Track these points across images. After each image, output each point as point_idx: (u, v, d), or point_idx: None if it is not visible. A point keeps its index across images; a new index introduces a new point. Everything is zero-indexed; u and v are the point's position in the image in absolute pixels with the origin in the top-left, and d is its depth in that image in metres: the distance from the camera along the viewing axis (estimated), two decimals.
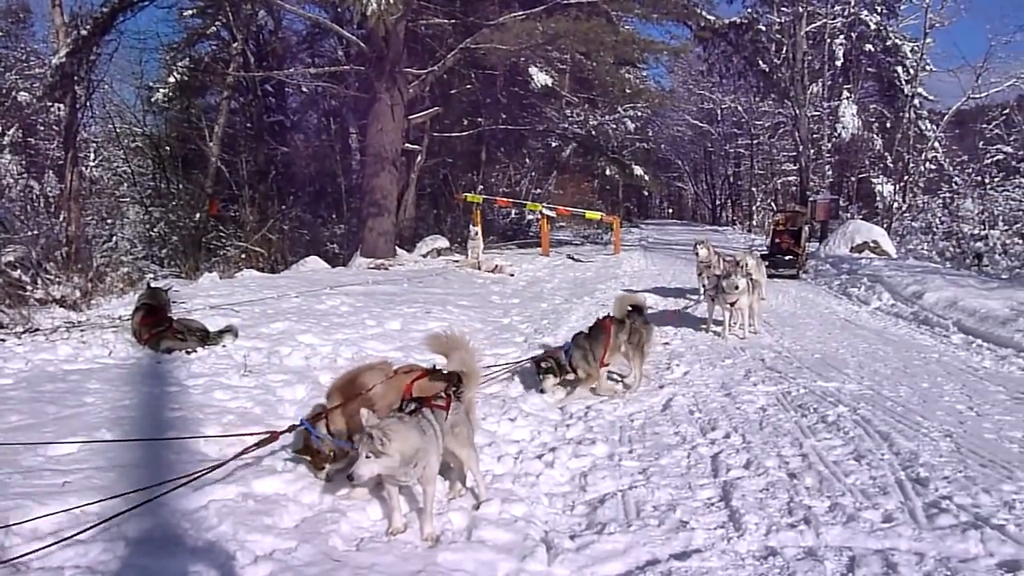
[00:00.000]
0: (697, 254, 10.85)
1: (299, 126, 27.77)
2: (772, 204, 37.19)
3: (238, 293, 10.59)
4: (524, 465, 4.71)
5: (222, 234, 20.36)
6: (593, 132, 28.98)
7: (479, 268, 15.02)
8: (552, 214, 21.41)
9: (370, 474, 3.42)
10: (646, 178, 29.64)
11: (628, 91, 25.56)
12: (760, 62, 25.74)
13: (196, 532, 3.50)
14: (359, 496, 4.01)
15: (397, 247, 18.33)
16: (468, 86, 23.34)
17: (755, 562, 3.42)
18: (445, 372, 4.36)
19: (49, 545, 3.19)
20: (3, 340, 7.60)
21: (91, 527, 3.35)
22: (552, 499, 4.24)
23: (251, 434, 4.37)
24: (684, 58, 33.16)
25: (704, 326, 9.09)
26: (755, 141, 43.34)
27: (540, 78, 22.20)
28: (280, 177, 24.06)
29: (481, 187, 24.39)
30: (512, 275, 14.65)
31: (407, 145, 19.78)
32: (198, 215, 20.15)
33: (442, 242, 19.35)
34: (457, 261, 16.50)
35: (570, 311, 10.54)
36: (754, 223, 39.76)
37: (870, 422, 5.35)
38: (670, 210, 74.39)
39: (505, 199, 23.28)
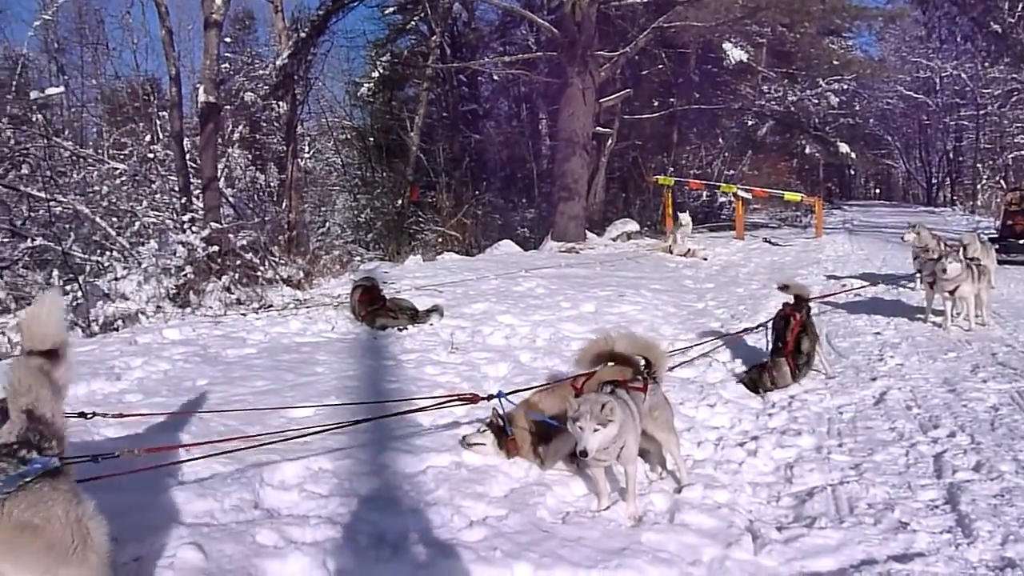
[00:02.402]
0: (904, 239, 9.89)
1: (491, 114, 28.66)
2: (1002, 182, 33.13)
3: (440, 275, 11.22)
4: (725, 452, 4.64)
5: (421, 219, 21.52)
6: (792, 108, 27.35)
7: (671, 252, 14.78)
8: (747, 196, 20.57)
9: (598, 445, 3.50)
10: (852, 156, 27.56)
11: (833, 63, 23.84)
12: (992, 23, 22.94)
13: (416, 494, 3.80)
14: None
15: (587, 231, 18.46)
16: (659, 66, 22.91)
17: (989, 572, 3.15)
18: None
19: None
20: (244, 315, 8.62)
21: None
22: (756, 488, 4.15)
23: (457, 396, 4.68)
24: (897, 24, 30.32)
25: (921, 315, 8.36)
26: (981, 112, 38.70)
27: (735, 54, 21.28)
28: (474, 163, 24.97)
29: (672, 169, 23.89)
30: (705, 259, 14.28)
31: (598, 129, 19.80)
32: (400, 201, 21.43)
33: (632, 225, 19.22)
34: (649, 245, 16.34)
35: (768, 296, 10.09)
36: (978, 203, 35.63)
37: None
38: (877, 190, 68.47)
39: (697, 181, 22.62)
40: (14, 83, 16.07)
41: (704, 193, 24.90)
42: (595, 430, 3.46)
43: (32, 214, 13.70)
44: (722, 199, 25.19)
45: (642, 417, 3.88)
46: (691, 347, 6.78)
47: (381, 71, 24.98)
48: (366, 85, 25.48)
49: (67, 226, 13.38)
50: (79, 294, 9.91)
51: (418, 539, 3.31)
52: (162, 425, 4.50)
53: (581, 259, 13.99)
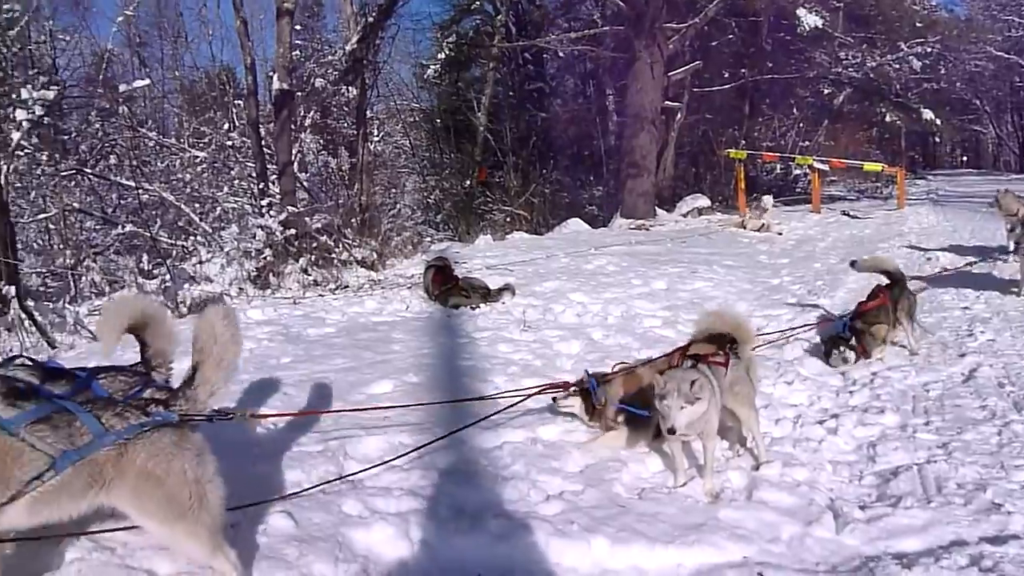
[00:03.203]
0: (1000, 206, 9.26)
1: (558, 91, 28.42)
2: None
3: (510, 254, 11.29)
4: (804, 430, 4.56)
5: (489, 199, 21.61)
6: (871, 75, 26.19)
7: (744, 227, 14.45)
8: (824, 167, 19.86)
9: (687, 422, 3.52)
10: (937, 123, 26.29)
11: (916, 24, 22.71)
12: None
13: (494, 468, 3.89)
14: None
15: (657, 207, 18.22)
16: (730, 36, 22.28)
17: None
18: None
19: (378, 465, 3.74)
20: (322, 296, 8.89)
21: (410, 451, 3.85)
22: (837, 467, 4.07)
23: (545, 387, 4.65)
24: None
25: (1015, 289, 7.97)
26: None
27: (809, 20, 20.51)
28: (541, 142, 24.85)
29: (744, 142, 23.26)
30: (780, 234, 13.91)
31: (666, 103, 19.44)
32: (468, 182, 21.56)
33: (703, 201, 18.85)
34: (721, 220, 16.02)
35: (847, 272, 9.77)
36: None
37: None
38: (964, 158, 65.02)
39: (770, 153, 21.97)
40: (100, 77, 16.79)
41: (778, 166, 24.18)
42: (682, 407, 3.47)
43: (122, 202, 14.38)
44: (797, 171, 24.39)
45: (723, 393, 3.85)
46: (792, 331, 6.58)
47: (447, 52, 25.06)
48: (432, 67, 25.62)
49: (154, 213, 13.98)
50: (167, 277, 10.37)
51: (496, 512, 3.39)
52: (252, 401, 4.70)
53: (651, 236, 13.84)
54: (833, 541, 3.32)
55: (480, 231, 17.02)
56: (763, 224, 14.26)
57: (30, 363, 2.90)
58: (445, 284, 7.96)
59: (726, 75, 23.94)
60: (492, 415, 4.28)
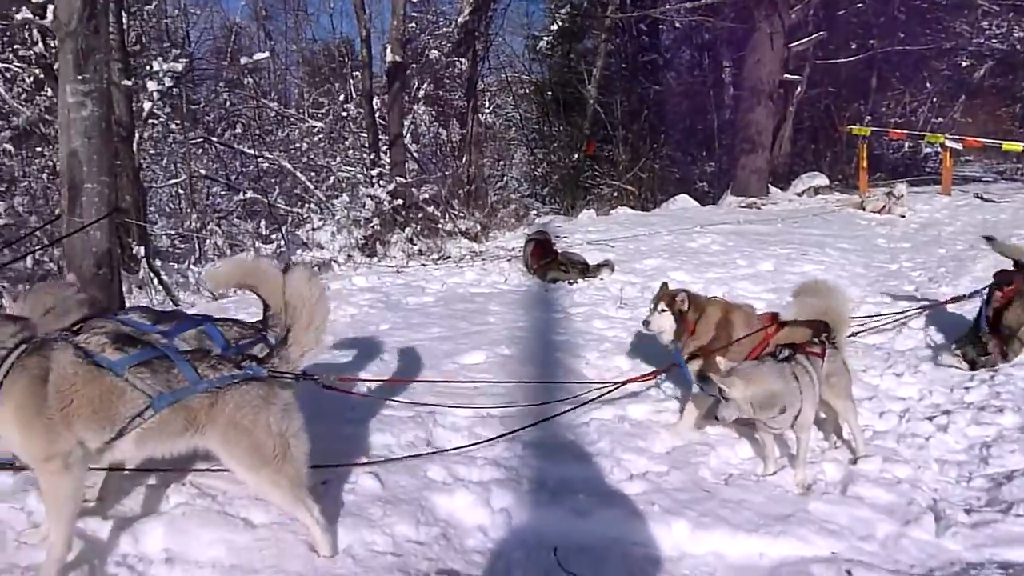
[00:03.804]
0: None
1: (672, 63, 27.62)
2: None
3: (613, 229, 11.16)
4: (910, 425, 4.32)
5: (597, 173, 21.39)
6: (1018, 46, 24.02)
7: (864, 208, 13.66)
8: (957, 146, 18.45)
9: (730, 417, 3.48)
10: None
11: None
12: None
13: (579, 444, 3.90)
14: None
15: (770, 185, 17.50)
16: (858, 4, 20.92)
17: None
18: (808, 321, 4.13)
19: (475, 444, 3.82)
20: (424, 265, 9.10)
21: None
22: (944, 466, 3.84)
23: (635, 379, 4.58)
24: None
25: None
26: None
27: None
28: (652, 116, 24.30)
29: (869, 118, 21.90)
30: (903, 216, 13.05)
31: (786, 76, 18.55)
32: (576, 155, 21.39)
33: (821, 179, 17.93)
34: (839, 200, 15.20)
35: (975, 259, 9.10)
36: None
37: None
38: None
39: (898, 131, 20.60)
40: (229, 50, 17.69)
41: (906, 144, 22.68)
42: (725, 400, 3.42)
43: (244, 170, 15.18)
44: (927, 150, 22.79)
45: (819, 383, 3.71)
46: (904, 314, 6.22)
47: (560, 24, 24.81)
48: (545, 38, 25.44)
49: (273, 180, 14.70)
50: (282, 243, 10.90)
51: (578, 487, 3.40)
52: (350, 364, 4.90)
53: (762, 215, 13.32)
54: (932, 544, 3.15)
55: (585, 205, 16.89)
56: (884, 205, 13.43)
57: (146, 309, 3.17)
58: (544, 258, 7.97)
59: (853, 46, 22.50)
60: (577, 407, 4.23)
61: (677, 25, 25.61)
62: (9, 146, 10.99)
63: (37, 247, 8.05)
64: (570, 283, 7.62)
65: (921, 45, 22.43)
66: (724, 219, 12.23)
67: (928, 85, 24.68)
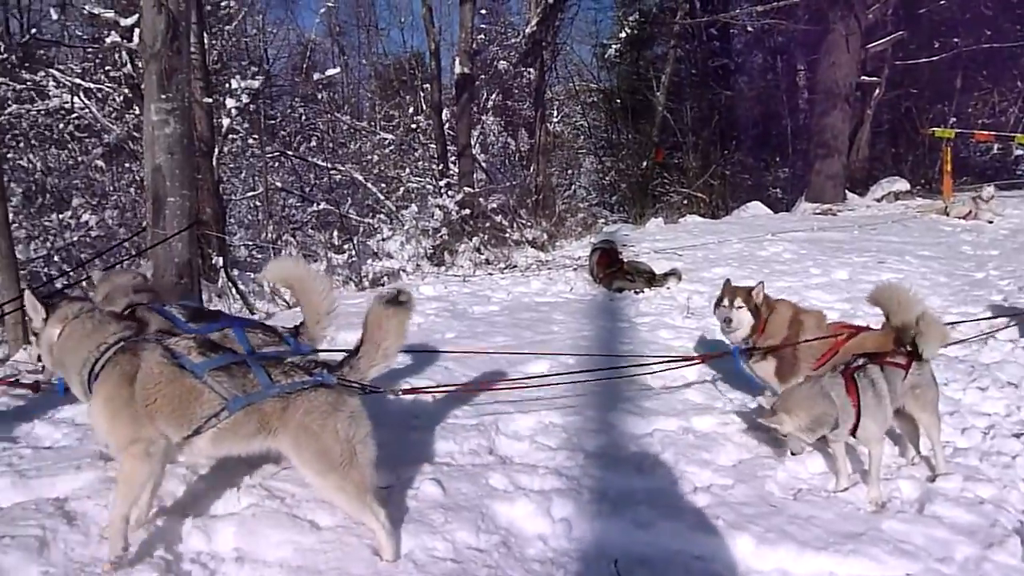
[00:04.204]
0: None
1: (743, 68, 27.11)
2: None
3: (681, 238, 11.01)
4: (996, 443, 4.10)
5: (666, 180, 21.16)
6: None
7: (947, 214, 13.08)
8: None
9: (800, 448, 3.61)
10: None
11: None
12: None
13: (642, 455, 3.86)
14: None
15: (847, 191, 16.96)
16: (941, 1, 20.09)
17: None
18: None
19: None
20: (491, 274, 9.17)
21: None
22: None
23: (686, 358, 4.66)
24: None
25: None
26: None
27: None
28: (723, 121, 23.91)
29: (954, 119, 20.98)
30: (991, 221, 12.44)
31: (863, 78, 17.98)
32: (645, 163, 21.25)
33: (901, 184, 17.26)
34: (920, 206, 14.60)
35: None
36: None
37: None
38: None
39: (985, 132, 19.66)
40: (304, 66, 18.26)
41: (994, 146, 21.61)
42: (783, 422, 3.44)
43: (317, 181, 15.64)
44: (1018, 152, 21.68)
45: (897, 396, 3.58)
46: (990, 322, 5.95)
47: (628, 31, 24.72)
48: (613, 46, 25.39)
49: (345, 192, 15.09)
50: (353, 253, 11.16)
51: (640, 498, 3.37)
52: (413, 369, 4.98)
53: (837, 222, 12.91)
54: (1017, 569, 3.00)
55: (654, 214, 16.73)
56: (970, 211, 12.83)
57: (184, 306, 3.66)
58: (610, 267, 7.94)
59: (936, 45, 21.60)
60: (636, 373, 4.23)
61: (749, 29, 25.17)
62: (101, 162, 11.62)
63: (125, 258, 8.47)
64: (636, 292, 7.56)
65: (1011, 42, 21.36)
66: (797, 226, 11.92)
67: (1019, 84, 23.47)
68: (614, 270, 7.89)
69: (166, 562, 2.71)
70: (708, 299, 7.09)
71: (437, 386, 4.50)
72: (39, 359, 2.98)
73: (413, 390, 4.05)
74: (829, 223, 12.61)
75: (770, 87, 25.28)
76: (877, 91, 19.42)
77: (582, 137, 26.85)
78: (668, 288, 7.64)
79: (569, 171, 24.71)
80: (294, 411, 2.75)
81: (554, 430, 4.10)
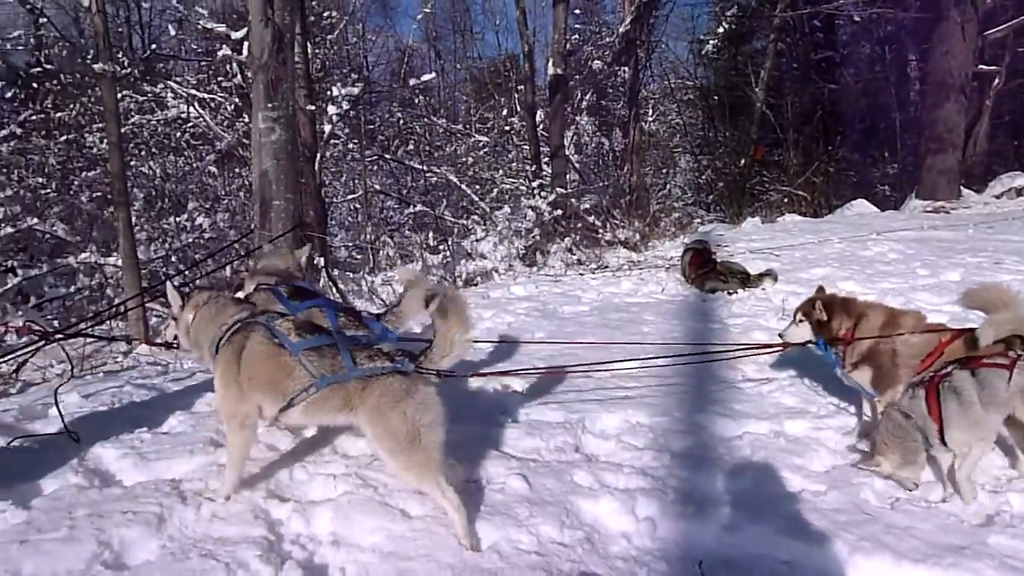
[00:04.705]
0: None
1: (849, 60, 26.00)
2: None
3: (779, 237, 10.70)
4: None
5: (765, 179, 20.56)
6: None
7: None
8: None
9: (914, 476, 3.51)
10: None
11: None
12: None
13: (730, 458, 3.80)
14: None
15: (962, 187, 16.02)
16: None
17: None
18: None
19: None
20: (582, 275, 9.19)
21: None
22: None
23: (767, 346, 4.56)
24: None
25: None
26: None
27: None
28: (826, 116, 23.03)
29: None
30: None
31: (980, 67, 16.94)
32: (742, 161, 20.72)
33: (1022, 180, 16.18)
34: None
35: None
36: None
37: None
38: None
39: None
40: (402, 72, 18.79)
41: None
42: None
43: (414, 184, 16.06)
44: None
45: (998, 398, 3.35)
46: None
47: (726, 26, 24.16)
48: (711, 42, 24.86)
49: (440, 194, 15.44)
50: (448, 253, 11.41)
51: (726, 501, 3.33)
52: (503, 364, 5.07)
53: (950, 220, 12.22)
54: None
55: (752, 213, 16.30)
56: None
57: (294, 286, 4.22)
58: (702, 267, 7.81)
59: None
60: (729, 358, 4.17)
61: (856, 19, 24.11)
62: (213, 168, 12.34)
63: (234, 258, 8.97)
64: (729, 293, 7.41)
65: None
66: (905, 225, 11.36)
67: None
68: (707, 270, 7.76)
69: (269, 542, 2.89)
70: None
71: (511, 372, 4.63)
72: (175, 338, 3.48)
73: (485, 373, 4.19)
74: (941, 221, 11.96)
75: (878, 79, 24.14)
76: (996, 81, 18.26)
77: (677, 135, 26.44)
78: (763, 289, 7.46)
79: (664, 170, 24.38)
80: (371, 392, 3.01)
81: (640, 430, 4.10)
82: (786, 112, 22.48)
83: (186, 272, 9.19)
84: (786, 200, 18.28)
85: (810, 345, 4.18)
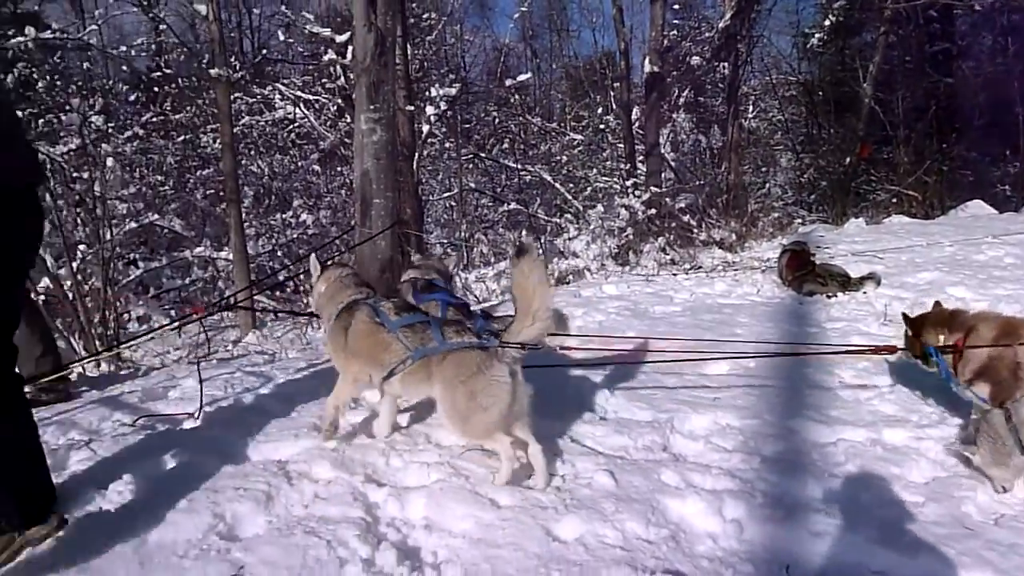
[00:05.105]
0: None
1: (968, 52, 24.52)
2: None
3: (883, 240, 10.28)
4: None
5: (872, 178, 19.73)
6: None
7: None
8: None
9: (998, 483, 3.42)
10: None
11: None
12: None
13: (823, 464, 3.72)
14: None
15: None
16: None
17: None
18: None
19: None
20: (675, 275, 9.11)
21: None
22: None
23: (866, 347, 4.45)
24: None
25: None
26: None
27: None
28: (941, 112, 21.85)
29: None
30: None
31: None
32: (848, 159, 19.92)
33: None
34: None
35: None
36: None
37: None
38: None
39: None
40: (499, 71, 19.03)
41: None
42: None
43: (508, 182, 16.27)
44: None
45: None
46: None
47: (833, 18, 23.22)
48: (817, 35, 23.96)
49: (534, 192, 15.59)
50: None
51: (817, 507, 3.28)
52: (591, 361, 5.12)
53: None
54: None
55: (859, 213, 15.68)
56: None
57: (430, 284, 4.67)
58: (800, 269, 7.60)
59: None
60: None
61: (977, 8, 22.74)
62: (317, 167, 12.89)
63: (336, 254, 9.36)
64: (828, 296, 7.19)
65: None
66: None
67: None
68: (804, 272, 7.55)
69: (366, 523, 3.06)
70: (910, 306, 6.62)
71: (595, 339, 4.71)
72: (311, 303, 4.03)
73: (572, 348, 4.64)
74: None
75: (1000, 72, 22.68)
76: None
77: (779, 133, 25.65)
78: (864, 293, 7.20)
79: (764, 169, 23.74)
80: (447, 366, 3.32)
81: (730, 432, 4.07)
82: (896, 108, 21.44)
83: (290, 267, 9.66)
84: (894, 200, 17.50)
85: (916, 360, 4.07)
